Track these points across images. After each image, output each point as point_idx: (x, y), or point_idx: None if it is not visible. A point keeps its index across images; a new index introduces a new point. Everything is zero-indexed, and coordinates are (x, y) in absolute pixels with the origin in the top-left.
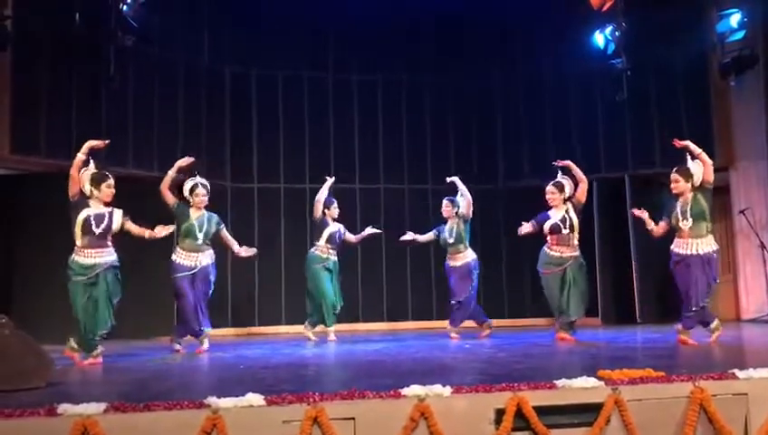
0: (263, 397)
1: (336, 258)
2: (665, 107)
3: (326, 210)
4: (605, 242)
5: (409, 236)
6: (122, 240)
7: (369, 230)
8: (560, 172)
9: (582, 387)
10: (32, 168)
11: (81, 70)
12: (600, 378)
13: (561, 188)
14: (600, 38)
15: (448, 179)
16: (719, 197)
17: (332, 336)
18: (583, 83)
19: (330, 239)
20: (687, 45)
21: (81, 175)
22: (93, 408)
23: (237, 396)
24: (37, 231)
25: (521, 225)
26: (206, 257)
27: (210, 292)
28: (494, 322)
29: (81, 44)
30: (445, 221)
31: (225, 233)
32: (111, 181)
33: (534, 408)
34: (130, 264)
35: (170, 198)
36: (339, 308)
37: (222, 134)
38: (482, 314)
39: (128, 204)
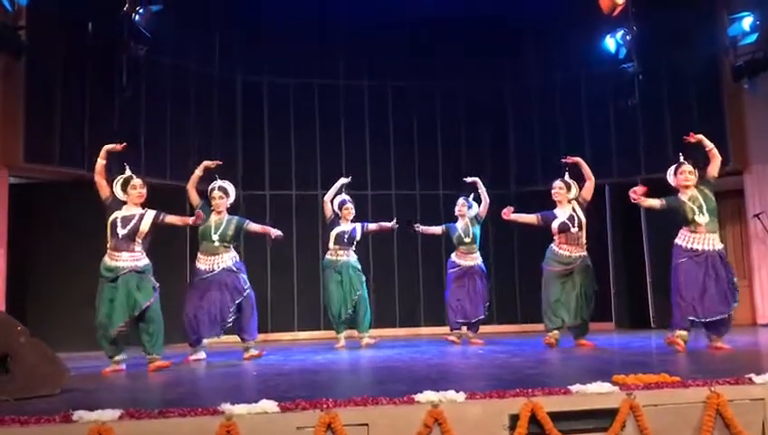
0: (276, 403)
1: (348, 258)
2: (677, 111)
3: (339, 211)
4: (618, 246)
5: (420, 227)
6: None
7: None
8: (567, 173)
9: (597, 392)
10: (45, 176)
11: (93, 79)
12: (614, 383)
13: (568, 185)
14: (611, 43)
15: (468, 180)
16: (733, 200)
17: (341, 343)
18: (595, 88)
19: (337, 240)
20: (699, 49)
21: (116, 181)
22: (108, 414)
23: (251, 403)
24: (51, 239)
25: (512, 211)
26: (225, 260)
27: (238, 300)
28: (508, 327)
29: (93, 54)
30: (453, 220)
31: (254, 226)
32: (136, 182)
33: (549, 414)
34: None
35: (195, 198)
36: (344, 316)
37: (234, 142)
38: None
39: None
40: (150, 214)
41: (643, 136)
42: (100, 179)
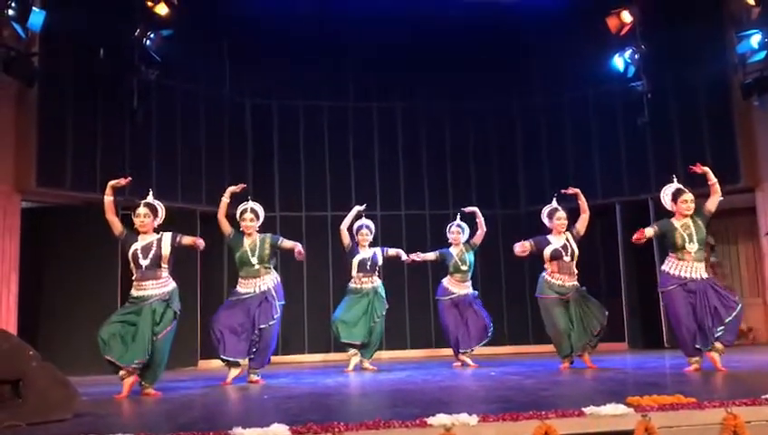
0: (288, 427)
1: (373, 284)
2: (687, 128)
3: (356, 237)
4: (630, 266)
5: (417, 256)
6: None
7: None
8: (555, 199)
9: (611, 414)
10: (57, 200)
11: (105, 103)
12: (629, 405)
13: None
14: (619, 61)
15: (467, 210)
16: (745, 218)
17: (349, 366)
18: (604, 107)
19: (360, 268)
20: (708, 67)
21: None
22: None
23: (262, 426)
24: (63, 262)
25: (519, 242)
26: (266, 282)
27: (261, 326)
28: (519, 348)
29: (105, 79)
30: (447, 245)
31: (286, 243)
32: (139, 211)
33: None
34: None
35: (227, 228)
36: (356, 338)
37: (243, 164)
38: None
39: None
40: (167, 236)
41: (653, 154)
42: (110, 217)
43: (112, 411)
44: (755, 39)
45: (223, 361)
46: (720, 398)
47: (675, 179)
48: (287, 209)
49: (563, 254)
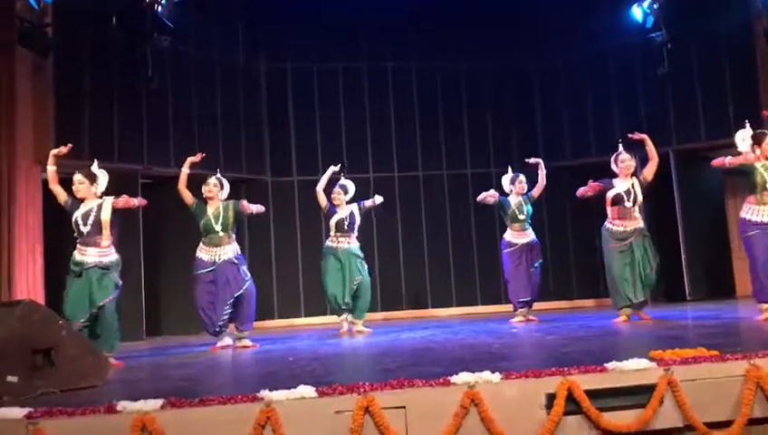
0: (314, 389)
1: (349, 245)
2: (708, 78)
3: (331, 198)
4: (651, 219)
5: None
6: (167, 235)
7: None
8: (620, 146)
9: (634, 369)
10: (75, 170)
11: (120, 72)
12: (651, 359)
13: (634, 159)
14: (638, 11)
15: (531, 160)
16: None
17: (344, 327)
18: (623, 58)
19: (338, 228)
20: (729, 14)
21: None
22: (151, 404)
23: (289, 389)
24: None
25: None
26: (228, 252)
27: (237, 293)
28: (541, 304)
29: (119, 47)
30: (505, 194)
31: (246, 204)
32: (74, 177)
33: (586, 391)
34: (172, 258)
35: (188, 198)
36: (342, 303)
37: (260, 129)
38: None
39: (170, 201)
40: (108, 201)
41: (674, 106)
42: (53, 186)
43: (141, 378)
44: None
45: (212, 335)
46: (742, 350)
47: (748, 125)
48: (304, 173)
49: (625, 199)
